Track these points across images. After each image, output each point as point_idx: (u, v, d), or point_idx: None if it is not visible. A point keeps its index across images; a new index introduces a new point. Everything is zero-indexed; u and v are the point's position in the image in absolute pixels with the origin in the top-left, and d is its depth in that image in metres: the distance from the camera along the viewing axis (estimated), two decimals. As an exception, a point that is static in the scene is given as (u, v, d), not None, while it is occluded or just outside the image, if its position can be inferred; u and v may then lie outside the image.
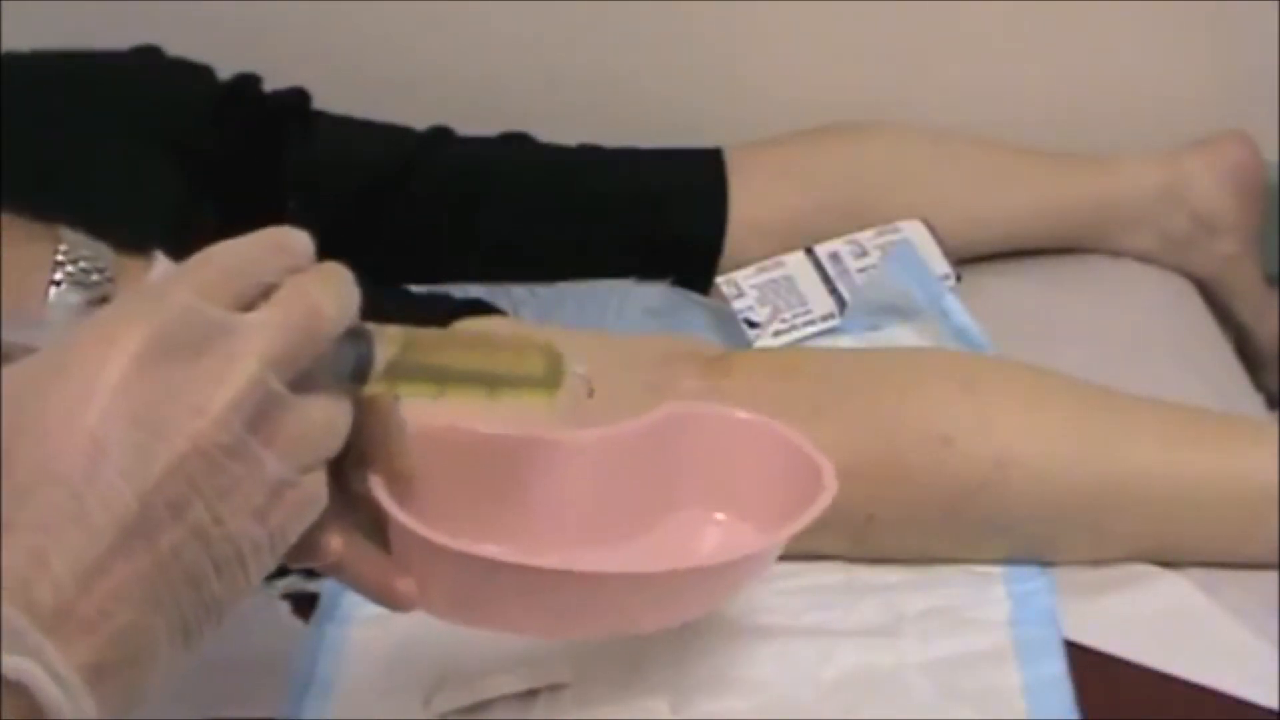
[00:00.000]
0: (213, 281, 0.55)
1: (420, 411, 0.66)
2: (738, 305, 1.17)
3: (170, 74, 1.27)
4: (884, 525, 0.92)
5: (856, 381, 0.96)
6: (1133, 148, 1.35)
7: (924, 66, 1.47)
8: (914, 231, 1.23)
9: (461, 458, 0.73)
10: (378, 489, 0.64)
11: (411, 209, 1.25)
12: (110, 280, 0.86)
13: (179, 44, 1.29)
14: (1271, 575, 0.93)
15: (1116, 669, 0.86)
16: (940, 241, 1.23)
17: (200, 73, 1.28)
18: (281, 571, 0.84)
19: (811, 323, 1.17)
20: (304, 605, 0.88)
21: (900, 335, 1.15)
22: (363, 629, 0.86)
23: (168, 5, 1.41)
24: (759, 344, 1.15)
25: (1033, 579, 0.92)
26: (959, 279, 1.22)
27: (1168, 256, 1.34)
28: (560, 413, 0.68)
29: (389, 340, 0.60)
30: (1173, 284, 1.33)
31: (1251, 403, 1.22)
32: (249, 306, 0.55)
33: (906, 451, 0.92)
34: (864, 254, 1.21)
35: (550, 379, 0.67)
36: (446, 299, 1.09)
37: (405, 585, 0.66)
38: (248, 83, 1.29)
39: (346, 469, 0.62)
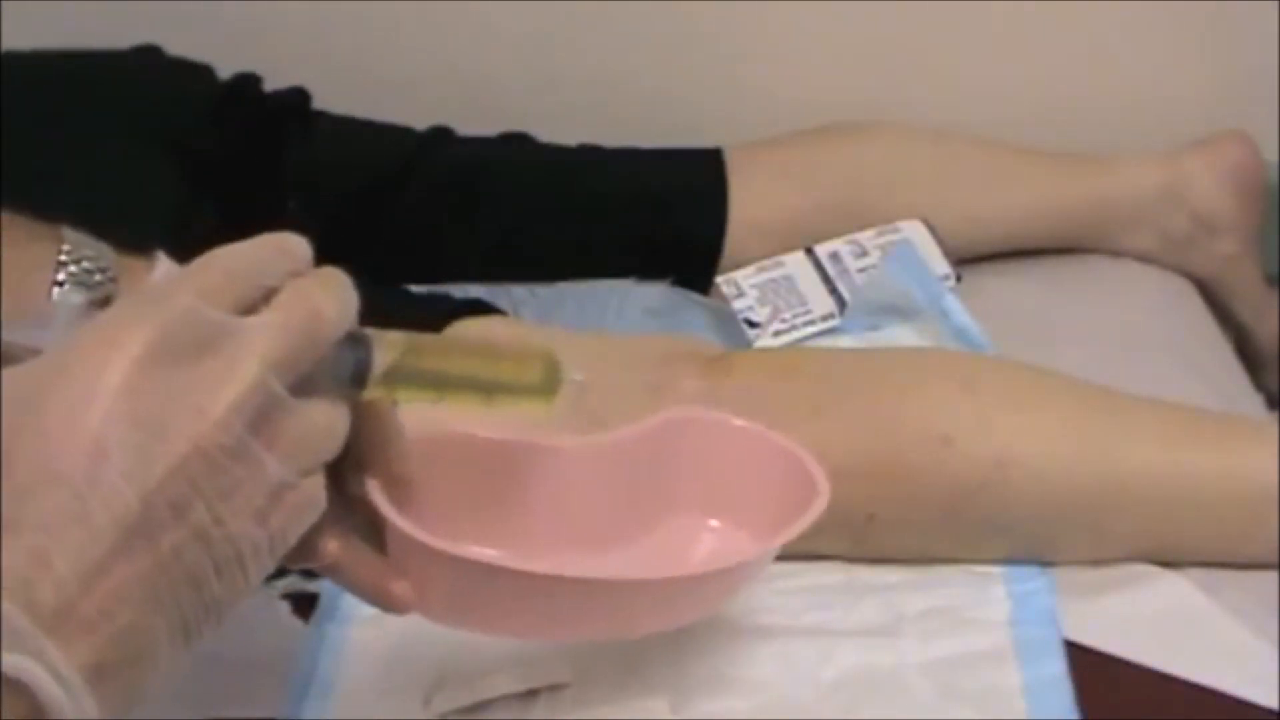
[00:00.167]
0: (215, 284, 0.55)
1: (419, 416, 0.66)
2: (738, 305, 1.17)
3: (170, 74, 1.27)
4: (884, 525, 0.92)
5: (856, 381, 0.96)
6: (1133, 148, 1.35)
7: (924, 66, 1.47)
8: (914, 231, 1.23)
9: (460, 462, 0.73)
10: (375, 493, 0.64)
11: (411, 209, 1.25)
12: (113, 280, 0.86)
13: (179, 44, 1.29)
14: (1271, 575, 0.93)
15: (1116, 669, 0.86)
16: (940, 241, 1.23)
17: (200, 73, 1.28)
18: (281, 572, 0.84)
19: (811, 323, 1.17)
20: (304, 605, 0.88)
21: (900, 335, 1.15)
22: (363, 629, 0.86)
23: (168, 5, 1.42)
24: (759, 344, 1.15)
25: (1033, 579, 0.92)
26: (959, 279, 1.22)
27: (1168, 256, 1.34)
28: (557, 420, 0.68)
29: (388, 345, 0.61)
30: (1173, 284, 1.33)
31: (1251, 403, 1.22)
32: (250, 310, 0.56)
33: (906, 451, 0.92)
34: (864, 254, 1.21)
35: (547, 386, 0.67)
36: (446, 299, 1.09)
37: (401, 588, 0.66)
38: (248, 83, 1.29)
39: (344, 472, 0.62)
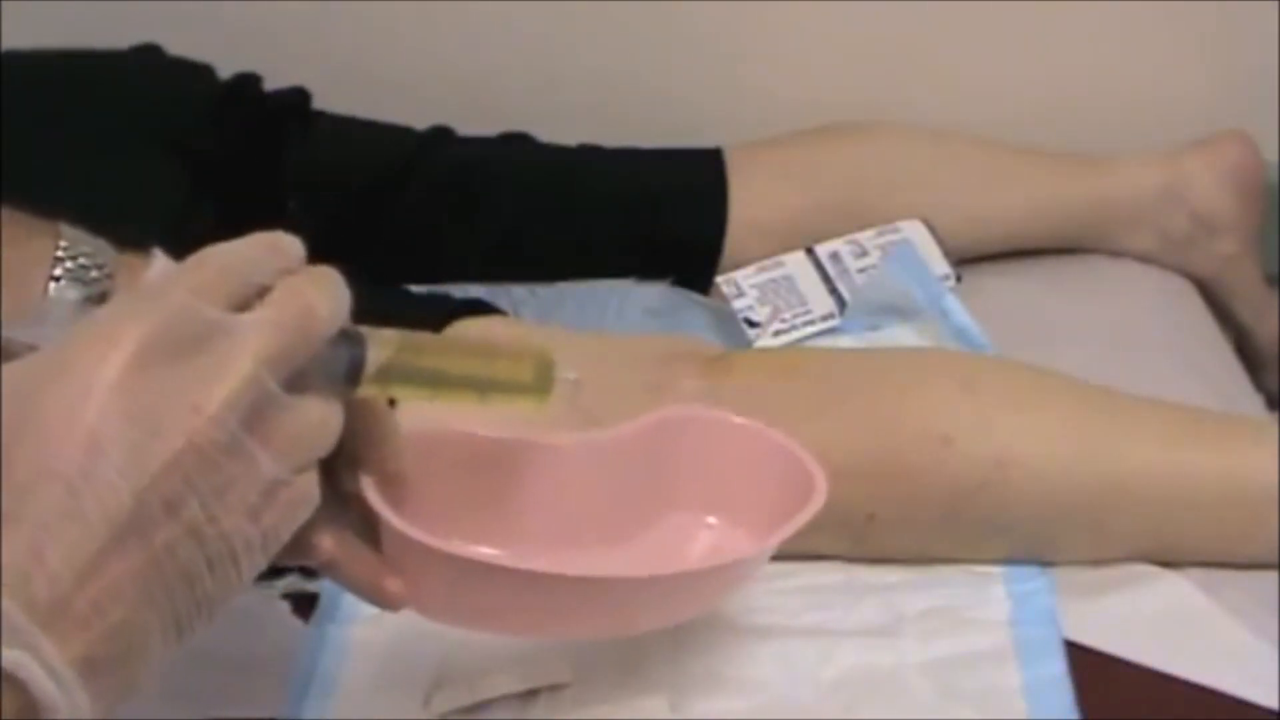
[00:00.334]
0: (209, 282, 0.55)
1: (416, 414, 0.66)
2: (738, 305, 1.17)
3: (170, 74, 1.27)
4: (884, 525, 0.92)
5: (856, 381, 0.96)
6: (1133, 148, 1.35)
7: (924, 66, 1.47)
8: (914, 231, 1.23)
9: (456, 460, 0.73)
10: (369, 491, 0.64)
11: (411, 209, 1.25)
12: (109, 277, 0.86)
13: (179, 44, 1.29)
14: (1271, 575, 0.93)
15: (1116, 669, 0.86)
16: (940, 241, 1.23)
17: (200, 73, 1.28)
18: (281, 571, 0.84)
19: (811, 323, 1.17)
20: (304, 605, 0.88)
21: (900, 335, 1.15)
22: (363, 629, 0.86)
23: (168, 5, 1.42)
24: (759, 344, 1.15)
25: (1033, 579, 0.92)
26: (959, 279, 1.22)
27: (1168, 256, 1.34)
28: (552, 418, 0.68)
29: (383, 343, 0.61)
30: (1173, 284, 1.33)
31: (1251, 403, 1.21)
32: (244, 307, 0.56)
33: (906, 451, 0.92)
34: (864, 254, 1.21)
35: (541, 385, 0.67)
36: (446, 299, 1.09)
37: (395, 585, 0.66)
38: (248, 82, 1.29)
39: (339, 469, 0.62)
